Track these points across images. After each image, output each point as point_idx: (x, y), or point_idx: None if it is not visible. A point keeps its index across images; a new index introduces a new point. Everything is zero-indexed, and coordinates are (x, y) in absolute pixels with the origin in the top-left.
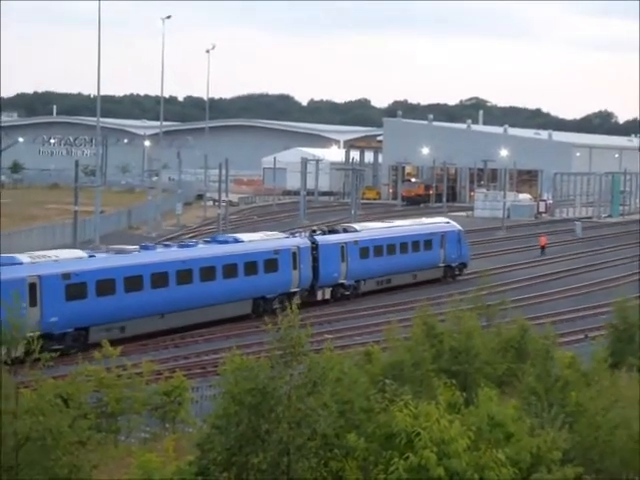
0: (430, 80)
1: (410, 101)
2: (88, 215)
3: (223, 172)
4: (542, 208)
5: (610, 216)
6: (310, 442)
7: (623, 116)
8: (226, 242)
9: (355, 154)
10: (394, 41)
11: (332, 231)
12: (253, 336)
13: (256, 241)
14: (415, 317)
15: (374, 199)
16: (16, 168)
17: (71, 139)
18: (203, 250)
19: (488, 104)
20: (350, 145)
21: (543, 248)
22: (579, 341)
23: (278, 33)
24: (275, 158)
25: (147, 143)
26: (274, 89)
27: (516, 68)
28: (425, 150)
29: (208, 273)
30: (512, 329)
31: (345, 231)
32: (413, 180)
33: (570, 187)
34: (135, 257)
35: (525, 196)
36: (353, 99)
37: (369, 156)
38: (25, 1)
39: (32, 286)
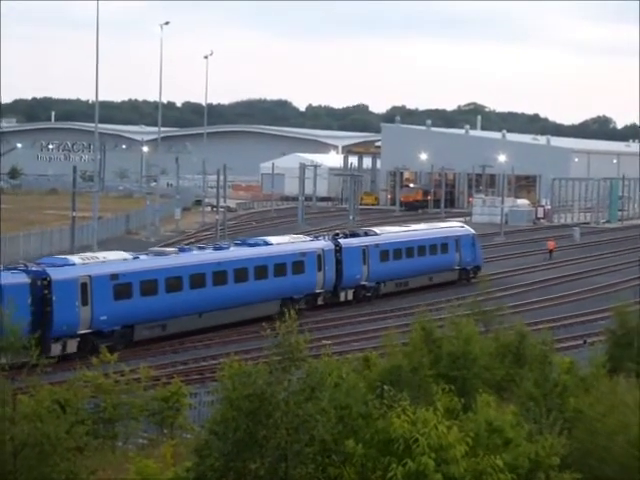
0: (428, 86)
1: (408, 106)
2: (86, 220)
3: (221, 178)
4: (540, 214)
5: (608, 222)
6: (308, 448)
7: (621, 121)
8: (257, 245)
9: (353, 159)
10: (392, 47)
11: (353, 234)
12: (252, 342)
13: (284, 244)
14: (414, 322)
15: (372, 204)
16: (14, 174)
17: (69, 144)
18: (236, 252)
19: (486, 109)
20: (348, 150)
21: (551, 252)
22: (578, 346)
23: (276, 39)
24: (273, 164)
25: (145, 149)
26: (272, 95)
27: (514, 73)
28: (423, 155)
29: (241, 274)
30: (510, 334)
31: (366, 234)
32: (411, 185)
33: (568, 192)
34: (175, 259)
35: (523, 201)
36: (351, 105)
37: (367, 161)
38: (24, 2)
39: (84, 286)
